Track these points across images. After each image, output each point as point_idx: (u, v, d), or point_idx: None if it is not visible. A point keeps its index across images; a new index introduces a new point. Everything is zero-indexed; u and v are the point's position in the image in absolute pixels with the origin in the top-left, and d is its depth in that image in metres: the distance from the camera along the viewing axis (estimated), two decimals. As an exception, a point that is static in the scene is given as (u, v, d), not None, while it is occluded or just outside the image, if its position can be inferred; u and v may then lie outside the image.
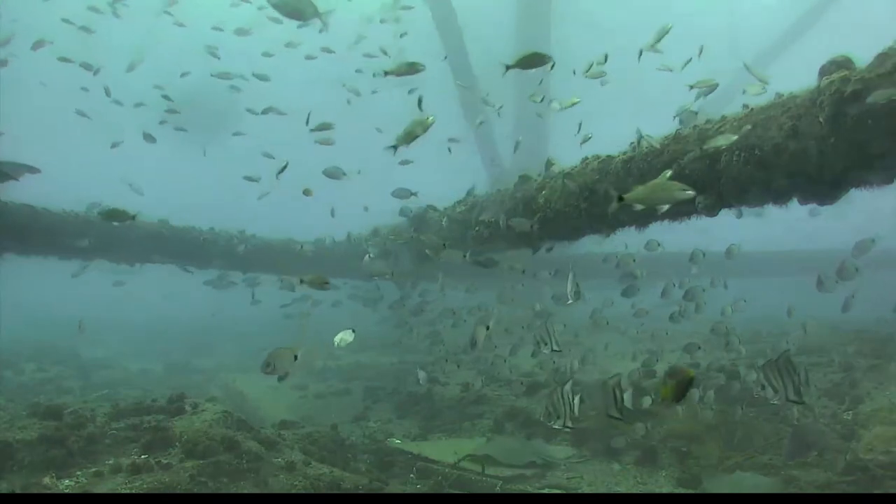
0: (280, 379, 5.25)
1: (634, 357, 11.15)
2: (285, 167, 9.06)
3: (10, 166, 7.26)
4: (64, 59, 14.50)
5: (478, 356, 11.73)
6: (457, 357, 12.30)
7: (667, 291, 9.61)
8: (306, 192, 9.55)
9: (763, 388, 4.54)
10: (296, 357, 4.95)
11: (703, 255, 9.96)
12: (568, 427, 4.67)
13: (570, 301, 6.20)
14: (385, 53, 15.78)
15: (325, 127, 9.73)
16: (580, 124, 9.47)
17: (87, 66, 13.62)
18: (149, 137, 9.52)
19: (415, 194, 9.93)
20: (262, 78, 15.00)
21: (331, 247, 14.04)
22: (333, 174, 9.27)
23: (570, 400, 4.59)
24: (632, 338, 13.10)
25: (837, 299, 8.98)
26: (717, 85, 7.77)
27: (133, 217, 7.39)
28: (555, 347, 5.79)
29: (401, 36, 17.61)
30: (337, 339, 6.60)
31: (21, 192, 10.10)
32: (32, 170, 7.51)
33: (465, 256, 8.94)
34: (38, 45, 13.97)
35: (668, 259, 12.20)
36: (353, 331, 6.59)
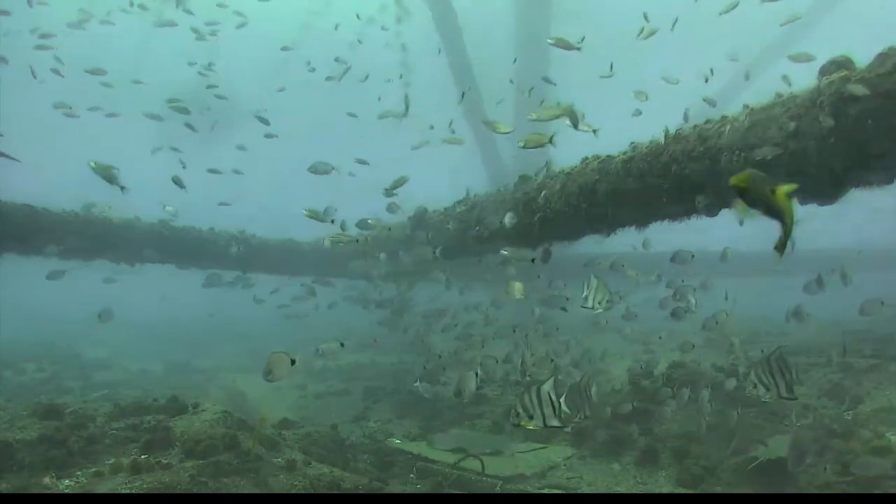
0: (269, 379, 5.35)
1: (635, 358, 11.17)
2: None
3: None
4: (56, 71, 14.50)
5: (470, 359, 11.73)
6: (442, 359, 12.24)
7: (664, 304, 9.38)
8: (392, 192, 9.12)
9: (755, 386, 4.49)
10: (293, 361, 4.95)
11: (693, 256, 9.76)
12: (554, 426, 4.52)
13: (599, 310, 5.79)
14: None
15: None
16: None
17: (186, 112, 13.03)
18: (178, 181, 9.78)
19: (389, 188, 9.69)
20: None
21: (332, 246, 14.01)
22: (320, 169, 9.05)
23: (551, 399, 4.45)
24: (626, 337, 13.04)
25: (836, 300, 8.96)
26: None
27: (122, 188, 7.48)
28: (526, 377, 5.63)
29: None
30: (322, 347, 6.67)
31: (22, 192, 10.13)
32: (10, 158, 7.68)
33: (434, 252, 8.98)
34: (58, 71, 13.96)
35: (662, 260, 12.16)
36: (342, 344, 6.64)
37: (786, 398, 4.41)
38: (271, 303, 15.38)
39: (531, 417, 4.45)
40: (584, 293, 5.82)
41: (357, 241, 10.95)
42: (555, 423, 4.49)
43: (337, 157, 10.34)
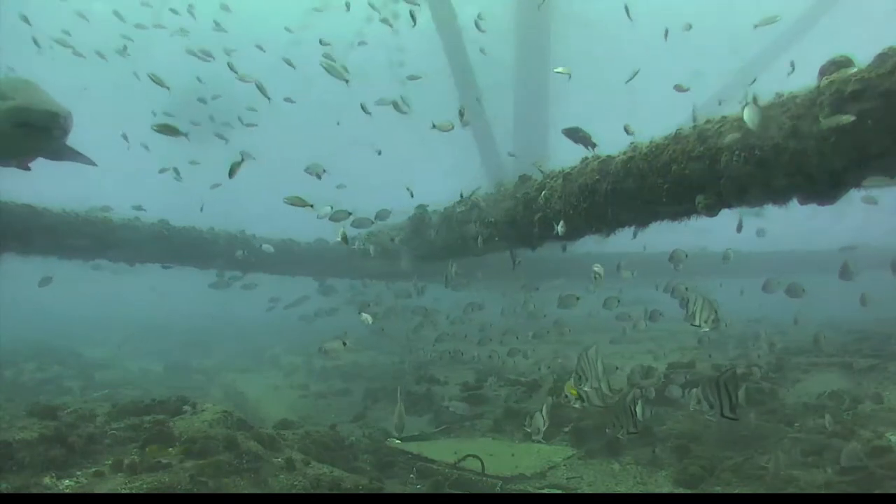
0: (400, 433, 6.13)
1: (632, 357, 11.16)
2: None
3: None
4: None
5: (468, 358, 11.81)
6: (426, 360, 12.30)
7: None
8: None
9: (699, 402, 4.69)
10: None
11: (686, 255, 9.80)
12: (604, 393, 4.84)
13: (706, 328, 5.75)
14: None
15: None
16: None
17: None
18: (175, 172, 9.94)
19: (350, 213, 9.60)
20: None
21: (334, 247, 14.07)
22: (314, 170, 9.25)
23: (601, 371, 4.88)
24: (617, 339, 12.89)
25: (835, 299, 8.99)
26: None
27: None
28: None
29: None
30: (326, 346, 6.72)
31: (23, 192, 10.13)
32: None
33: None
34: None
35: (658, 259, 12.16)
36: (345, 343, 6.73)
37: (727, 418, 4.49)
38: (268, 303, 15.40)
39: (587, 379, 4.98)
40: (691, 311, 5.79)
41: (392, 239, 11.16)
42: (604, 388, 5.01)
43: (336, 158, 10.34)
